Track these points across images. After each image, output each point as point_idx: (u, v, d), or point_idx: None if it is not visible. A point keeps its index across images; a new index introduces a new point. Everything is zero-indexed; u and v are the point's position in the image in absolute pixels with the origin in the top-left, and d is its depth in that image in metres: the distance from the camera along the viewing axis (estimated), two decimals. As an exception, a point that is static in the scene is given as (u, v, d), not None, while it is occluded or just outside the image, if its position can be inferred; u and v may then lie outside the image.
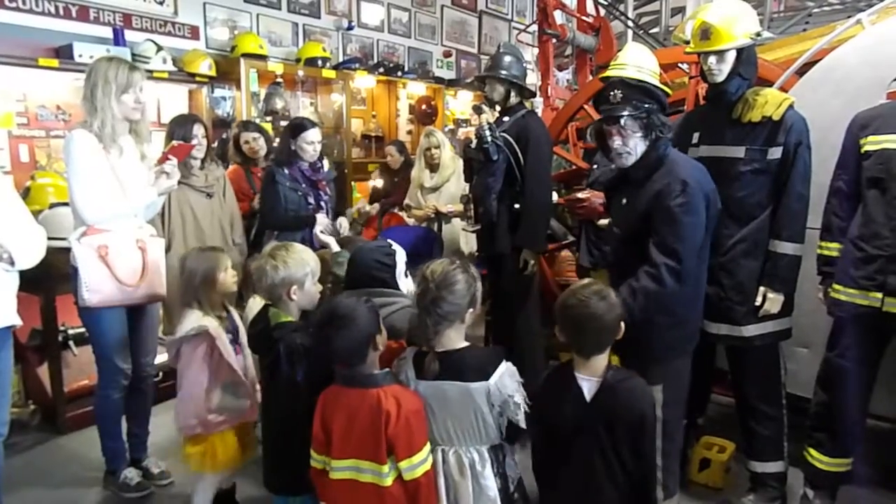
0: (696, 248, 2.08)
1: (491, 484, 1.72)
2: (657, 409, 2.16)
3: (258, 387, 2.27)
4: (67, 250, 2.44)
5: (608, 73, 2.33)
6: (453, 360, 1.72)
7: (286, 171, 3.23)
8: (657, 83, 2.24)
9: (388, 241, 2.24)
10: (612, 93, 2.15)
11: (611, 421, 1.69)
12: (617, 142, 2.14)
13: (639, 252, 2.12)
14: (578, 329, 1.73)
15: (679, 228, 2.03)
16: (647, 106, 2.10)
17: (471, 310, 1.76)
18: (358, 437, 1.68)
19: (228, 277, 2.35)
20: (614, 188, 2.35)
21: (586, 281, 1.84)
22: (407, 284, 2.12)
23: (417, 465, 1.65)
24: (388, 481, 1.66)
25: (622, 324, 1.77)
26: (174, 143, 2.74)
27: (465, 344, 1.77)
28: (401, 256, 2.14)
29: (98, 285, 2.41)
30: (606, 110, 2.16)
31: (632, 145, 2.12)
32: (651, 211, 2.08)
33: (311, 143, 3.22)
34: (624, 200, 2.23)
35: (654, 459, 1.79)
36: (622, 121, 2.09)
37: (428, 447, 1.69)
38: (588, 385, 1.73)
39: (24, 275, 2.27)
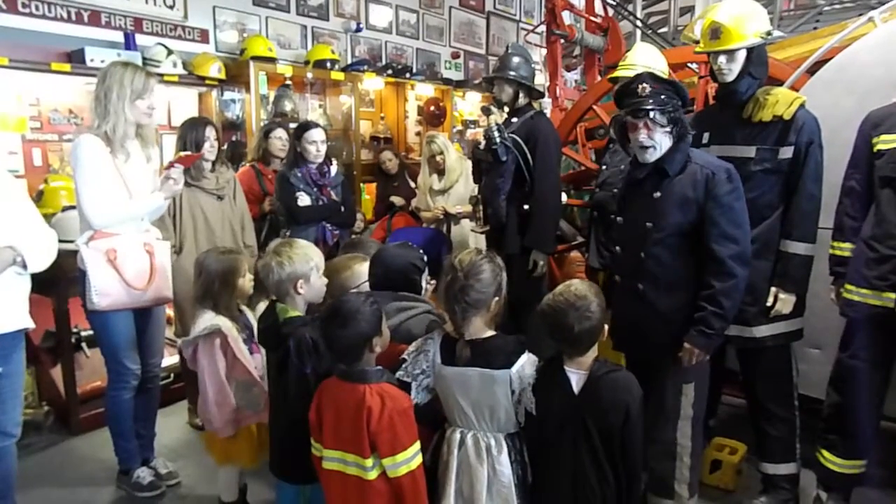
0: (749, 232, 2.14)
1: (506, 470, 1.75)
2: (688, 407, 2.17)
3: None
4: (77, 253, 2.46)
5: (617, 73, 2.34)
6: (481, 347, 1.76)
7: (298, 172, 3.31)
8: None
9: (409, 243, 2.30)
10: (640, 86, 2.11)
11: (597, 412, 1.71)
12: (643, 135, 2.10)
13: (683, 249, 2.13)
14: (555, 334, 1.77)
15: (734, 215, 2.09)
16: (674, 101, 2.10)
17: (496, 298, 1.79)
18: (344, 430, 1.72)
19: (247, 281, 2.39)
20: (639, 183, 2.24)
21: (566, 284, 1.83)
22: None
23: (401, 463, 1.67)
24: (372, 475, 1.69)
25: (605, 326, 1.79)
26: (182, 153, 2.79)
27: (491, 332, 1.81)
28: (424, 261, 2.20)
29: (107, 289, 2.43)
30: (634, 103, 2.11)
31: (657, 139, 2.10)
32: (699, 201, 2.09)
33: (312, 142, 3.30)
34: (658, 194, 2.16)
35: (640, 452, 1.78)
36: (651, 114, 2.07)
37: (415, 448, 1.70)
38: (576, 378, 1.76)
39: (37, 277, 2.29)
